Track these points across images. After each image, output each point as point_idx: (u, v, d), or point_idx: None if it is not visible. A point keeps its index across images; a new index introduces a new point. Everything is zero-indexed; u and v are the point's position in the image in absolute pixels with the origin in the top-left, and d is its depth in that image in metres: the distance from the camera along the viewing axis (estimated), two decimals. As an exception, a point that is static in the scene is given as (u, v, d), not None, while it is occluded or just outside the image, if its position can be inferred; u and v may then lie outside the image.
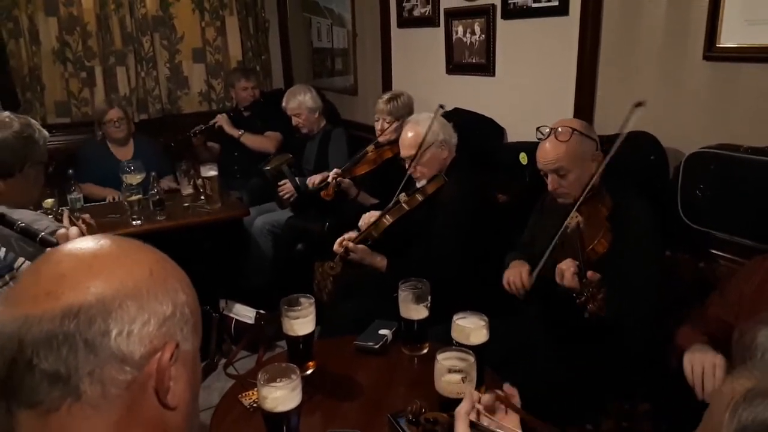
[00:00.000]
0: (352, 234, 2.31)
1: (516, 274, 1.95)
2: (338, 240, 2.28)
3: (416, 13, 3.37)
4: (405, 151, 2.38)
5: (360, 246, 2.24)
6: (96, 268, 0.65)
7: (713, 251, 1.96)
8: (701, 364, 1.43)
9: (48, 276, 0.64)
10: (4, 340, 0.61)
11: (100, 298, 0.62)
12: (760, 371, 0.68)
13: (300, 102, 3.50)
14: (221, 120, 3.86)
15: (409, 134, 2.36)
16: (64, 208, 2.95)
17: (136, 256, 0.69)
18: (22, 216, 1.73)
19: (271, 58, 4.81)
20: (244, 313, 3.10)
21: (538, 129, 1.96)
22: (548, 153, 1.90)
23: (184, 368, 0.68)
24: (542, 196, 2.18)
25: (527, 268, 1.94)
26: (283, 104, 3.58)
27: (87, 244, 0.69)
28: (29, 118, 1.98)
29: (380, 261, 2.26)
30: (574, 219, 1.80)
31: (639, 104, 1.76)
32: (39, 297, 0.62)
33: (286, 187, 3.34)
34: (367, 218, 2.39)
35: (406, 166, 2.38)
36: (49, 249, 1.44)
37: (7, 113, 1.93)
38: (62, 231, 1.47)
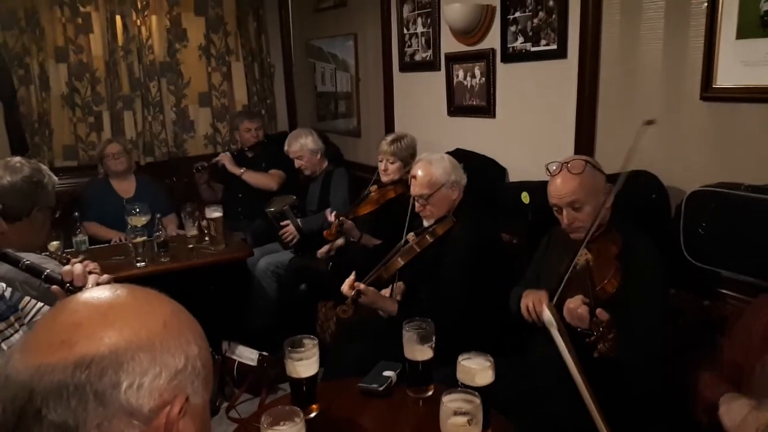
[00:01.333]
0: (352, 278, 2.27)
1: (536, 299, 1.87)
2: (347, 282, 2.24)
3: (417, 57, 3.45)
4: (417, 189, 2.34)
5: (371, 288, 2.21)
6: (111, 318, 0.65)
7: (718, 289, 1.95)
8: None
9: (64, 324, 0.65)
10: (16, 389, 0.61)
11: (113, 349, 0.62)
12: None
13: (302, 144, 3.56)
14: (224, 158, 3.91)
15: (422, 173, 2.33)
16: (68, 250, 2.97)
17: (151, 306, 0.69)
18: (28, 258, 1.74)
19: (276, 102, 4.90)
20: (247, 355, 3.07)
21: (546, 166, 1.96)
22: (562, 187, 1.89)
23: (192, 422, 0.67)
24: (546, 234, 2.18)
25: (545, 293, 1.87)
26: (286, 148, 3.64)
27: (104, 293, 0.69)
28: (40, 163, 2.02)
29: (391, 305, 2.23)
30: (583, 256, 1.79)
31: (649, 122, 1.74)
32: (54, 345, 0.62)
33: (289, 229, 3.36)
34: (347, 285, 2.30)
35: (416, 204, 2.37)
36: (54, 287, 1.45)
37: (18, 158, 1.97)
38: (66, 268, 1.47)
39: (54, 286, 1.44)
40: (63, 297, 1.43)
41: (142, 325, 0.65)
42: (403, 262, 2.28)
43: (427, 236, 2.30)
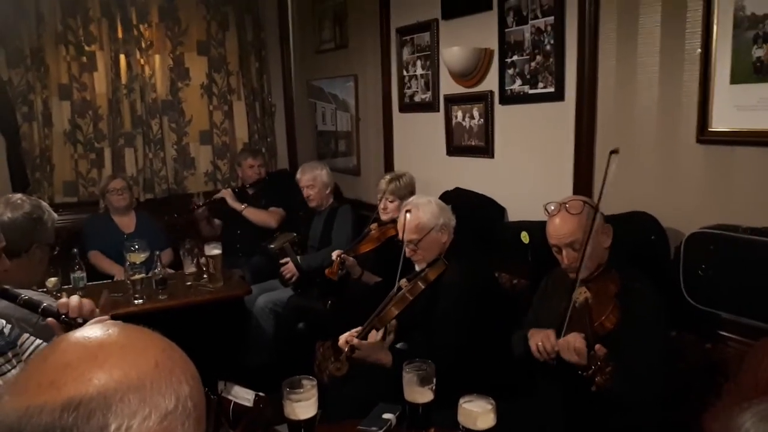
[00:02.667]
0: (353, 333, 2.24)
1: (545, 338, 1.85)
2: (342, 337, 2.22)
3: (417, 98, 3.50)
4: (406, 235, 2.33)
5: (365, 342, 2.17)
6: (101, 358, 0.64)
7: (719, 332, 1.95)
8: None
9: (53, 365, 0.64)
10: (5, 431, 0.60)
11: (101, 391, 0.61)
12: None
13: (316, 175, 3.59)
14: (225, 194, 3.94)
15: (409, 218, 2.32)
16: (66, 286, 2.96)
17: (143, 345, 0.68)
18: (25, 294, 1.73)
19: (277, 140, 4.95)
20: (243, 396, 3.00)
21: (545, 206, 1.98)
22: (561, 227, 1.91)
23: None
24: (546, 276, 2.18)
25: (552, 330, 1.86)
26: (298, 176, 3.66)
27: (95, 332, 0.68)
28: (40, 200, 2.03)
29: (385, 357, 2.18)
30: (582, 294, 1.80)
31: (614, 151, 1.78)
32: (42, 386, 0.61)
33: (288, 267, 3.35)
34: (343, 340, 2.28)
35: (406, 249, 2.36)
36: (49, 319, 1.44)
37: (19, 195, 1.98)
38: (62, 300, 1.47)
39: (50, 319, 1.44)
40: (58, 329, 1.43)
41: (132, 366, 0.64)
42: (397, 312, 2.24)
43: (419, 282, 2.26)
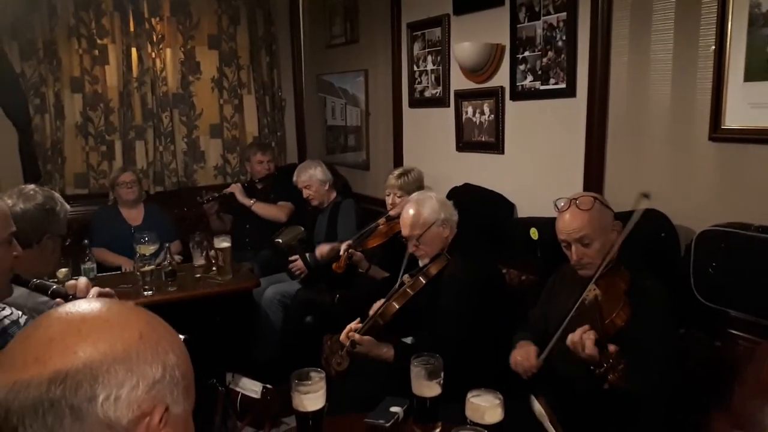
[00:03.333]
0: (356, 324, 2.26)
1: (524, 355, 1.92)
2: (344, 331, 2.24)
3: (427, 94, 3.50)
4: (407, 231, 2.34)
5: (366, 338, 2.19)
6: (85, 331, 0.65)
7: (729, 330, 1.94)
8: None
9: (37, 341, 0.64)
10: None
11: (87, 363, 0.62)
12: None
13: (311, 175, 3.61)
14: (235, 189, 3.95)
15: (410, 213, 2.34)
16: (76, 277, 2.98)
17: (126, 318, 0.69)
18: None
19: (286, 135, 4.97)
20: (251, 388, 3.04)
21: (555, 202, 1.97)
22: (571, 223, 1.90)
23: None
24: (556, 271, 2.18)
25: (534, 349, 1.92)
26: (294, 179, 3.69)
27: (77, 307, 0.69)
28: (53, 191, 2.04)
29: (387, 352, 2.20)
30: (592, 292, 1.79)
31: (645, 195, 1.78)
32: (27, 362, 0.62)
33: (298, 264, 3.36)
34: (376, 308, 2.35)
35: (408, 245, 2.37)
36: (58, 299, 1.46)
37: (32, 186, 2.00)
38: (71, 282, 1.49)
39: (58, 300, 1.46)
40: None
41: (117, 338, 0.65)
42: (398, 306, 2.26)
43: (420, 278, 2.28)
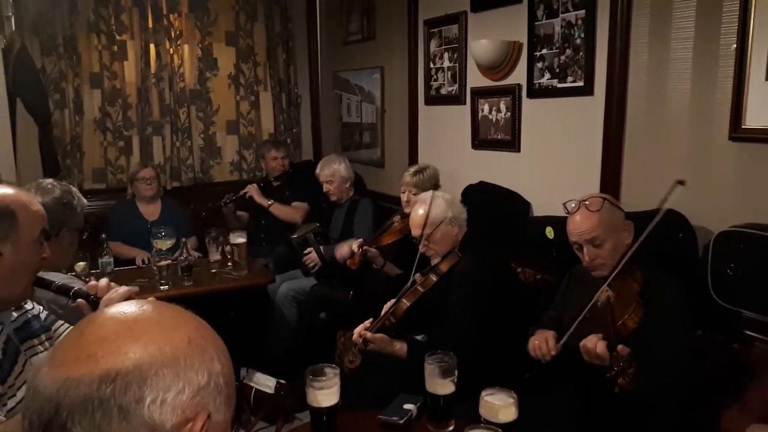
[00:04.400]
0: (368, 324, 2.27)
1: (542, 340, 1.91)
2: (356, 330, 2.25)
3: (443, 91, 3.49)
4: (416, 231, 2.36)
5: (378, 335, 2.20)
6: (137, 332, 0.66)
7: (747, 332, 1.91)
8: None
9: (90, 338, 0.65)
10: (43, 402, 0.62)
11: (137, 364, 0.63)
12: None
13: (334, 170, 3.61)
14: (252, 190, 3.97)
15: (419, 213, 2.35)
16: (94, 271, 3.02)
17: (176, 322, 0.70)
18: (55, 279, 1.78)
19: (302, 131, 4.98)
20: (264, 383, 3.05)
21: (564, 204, 1.97)
22: (581, 224, 1.90)
23: None
24: (569, 272, 2.17)
25: (553, 334, 1.91)
26: (317, 171, 3.68)
27: (130, 308, 0.70)
28: (70, 186, 2.07)
29: (399, 349, 2.20)
30: (604, 293, 1.78)
31: (680, 182, 1.74)
32: (80, 359, 0.63)
33: (311, 257, 3.38)
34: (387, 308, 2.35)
35: (419, 245, 2.38)
36: (79, 300, 1.48)
37: (50, 180, 2.03)
38: (92, 283, 1.51)
39: (80, 300, 1.47)
40: (87, 309, 1.47)
41: (167, 341, 0.66)
42: (408, 304, 2.27)
43: (431, 276, 2.29)
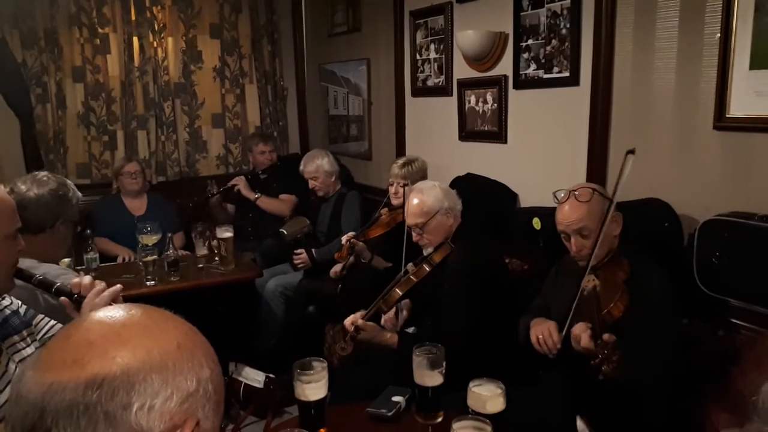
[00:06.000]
0: (359, 315, 2.26)
1: (546, 332, 1.87)
2: (348, 319, 2.25)
3: (430, 83, 3.48)
4: (410, 220, 2.35)
5: (370, 324, 2.20)
6: (124, 337, 0.65)
7: (732, 320, 1.93)
8: None
9: (77, 343, 0.64)
10: (27, 407, 0.61)
11: (125, 370, 0.61)
12: (762, 421, 0.68)
13: (318, 166, 3.59)
14: (239, 182, 3.94)
15: (414, 202, 2.34)
16: (79, 267, 2.99)
17: (165, 327, 0.69)
18: (48, 270, 1.76)
19: (289, 124, 4.95)
20: (253, 377, 3.05)
21: (554, 193, 1.97)
22: (570, 214, 1.90)
23: None
24: (557, 262, 2.18)
25: (554, 323, 1.88)
26: (301, 167, 3.66)
27: (118, 312, 0.69)
28: (65, 178, 2.06)
29: (391, 338, 2.21)
30: (590, 282, 1.79)
31: (631, 152, 1.76)
32: (66, 363, 0.62)
33: (302, 258, 3.36)
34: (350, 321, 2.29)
35: (413, 234, 2.37)
36: (62, 298, 1.45)
37: (45, 173, 2.03)
38: (75, 280, 1.49)
39: (63, 298, 1.45)
40: (70, 308, 1.45)
41: (155, 346, 0.65)
42: (401, 293, 2.26)
43: (424, 266, 2.29)
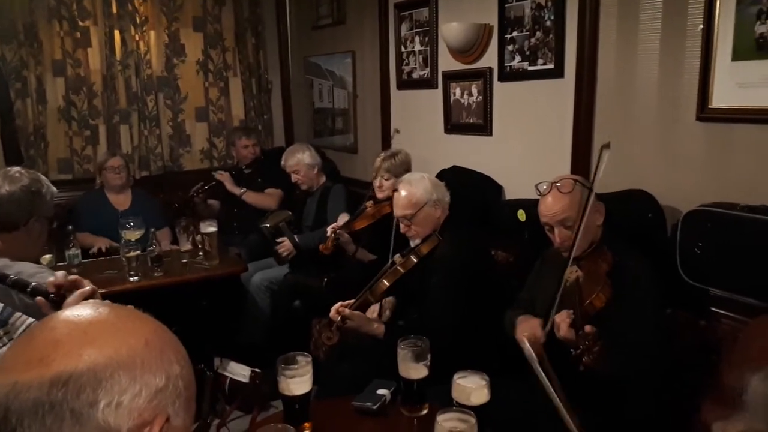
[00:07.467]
0: (346, 303, 2.26)
1: (530, 329, 1.89)
2: (334, 307, 2.24)
3: (415, 75, 3.47)
4: (399, 211, 2.35)
5: (356, 313, 2.20)
6: (91, 335, 0.64)
7: (714, 309, 1.94)
8: None
9: (43, 341, 0.63)
10: None
11: (91, 367, 0.61)
12: (751, 415, 0.69)
13: (299, 159, 3.57)
14: (224, 178, 3.91)
15: (403, 193, 2.33)
16: (60, 264, 2.95)
17: (133, 324, 0.68)
18: (24, 269, 1.72)
19: (273, 118, 4.91)
20: (239, 372, 3.02)
21: (536, 186, 1.97)
22: (552, 206, 1.91)
23: None
24: (540, 255, 2.18)
25: (538, 321, 1.90)
26: (282, 162, 3.65)
27: (84, 310, 0.68)
28: (39, 174, 2.01)
29: (377, 328, 2.20)
30: (573, 273, 1.80)
31: (606, 146, 1.77)
32: (31, 362, 0.61)
33: (285, 245, 3.34)
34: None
35: (401, 225, 2.36)
36: (38, 298, 1.43)
37: (18, 168, 1.97)
38: (51, 279, 1.46)
39: (39, 298, 1.43)
40: (47, 308, 1.42)
41: (123, 343, 0.64)
42: (388, 284, 2.26)
43: (411, 257, 2.29)
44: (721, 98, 1.99)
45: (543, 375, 1.30)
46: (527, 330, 1.91)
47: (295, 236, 3.35)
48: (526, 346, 1.44)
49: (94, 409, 0.60)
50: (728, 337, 1.83)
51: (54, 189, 2.04)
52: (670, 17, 2.12)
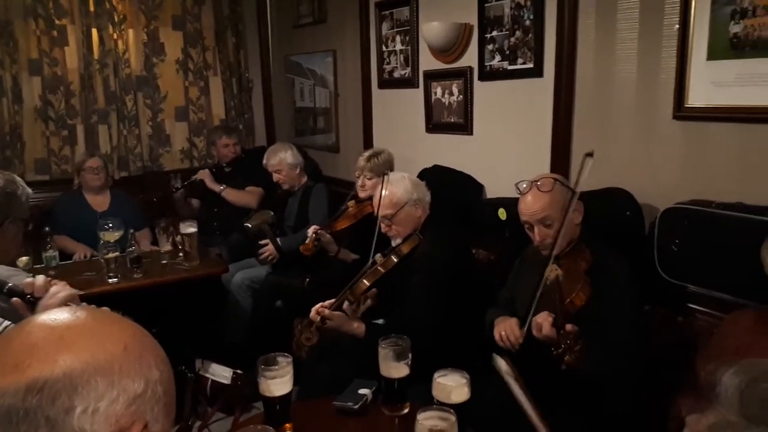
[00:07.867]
0: (326, 304, 2.25)
1: (508, 328, 1.91)
2: (314, 308, 2.23)
3: (396, 74, 3.46)
4: (380, 210, 2.35)
5: (336, 313, 2.18)
6: (68, 340, 0.63)
7: (691, 306, 1.97)
8: None
9: (18, 347, 0.62)
10: None
11: (67, 373, 0.60)
12: (725, 408, 0.70)
13: (281, 159, 3.55)
14: (204, 175, 3.88)
15: (384, 193, 2.34)
16: (38, 266, 2.91)
17: (111, 329, 0.67)
18: None
19: (254, 117, 4.88)
20: (221, 373, 3.00)
21: (516, 185, 1.98)
22: (532, 204, 1.92)
23: None
24: (521, 253, 2.19)
25: (515, 320, 1.92)
26: (264, 161, 3.62)
27: (62, 315, 0.67)
28: (14, 175, 1.97)
29: (358, 327, 2.19)
30: (553, 272, 1.81)
31: (589, 154, 1.78)
32: (6, 369, 0.60)
33: (268, 249, 3.32)
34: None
35: (381, 225, 2.36)
36: (14, 299, 1.41)
37: None
38: (28, 280, 1.44)
39: (15, 299, 1.40)
40: (24, 309, 1.40)
41: (100, 348, 0.63)
42: (368, 284, 2.25)
43: (392, 257, 2.28)
44: (696, 97, 2.01)
45: (517, 389, 1.30)
46: (506, 329, 1.91)
47: (278, 239, 3.33)
48: (499, 361, 1.44)
49: (69, 415, 0.59)
50: (705, 333, 1.85)
51: (29, 190, 2.00)
52: (648, 16, 2.14)
